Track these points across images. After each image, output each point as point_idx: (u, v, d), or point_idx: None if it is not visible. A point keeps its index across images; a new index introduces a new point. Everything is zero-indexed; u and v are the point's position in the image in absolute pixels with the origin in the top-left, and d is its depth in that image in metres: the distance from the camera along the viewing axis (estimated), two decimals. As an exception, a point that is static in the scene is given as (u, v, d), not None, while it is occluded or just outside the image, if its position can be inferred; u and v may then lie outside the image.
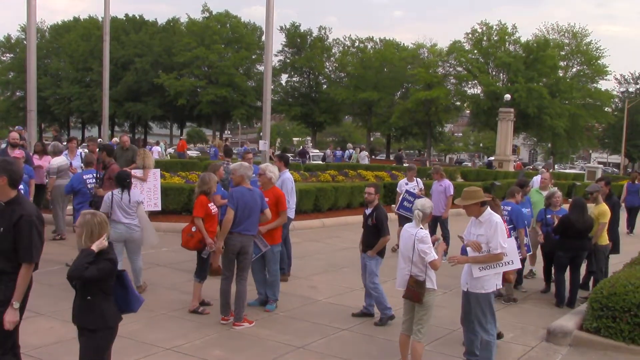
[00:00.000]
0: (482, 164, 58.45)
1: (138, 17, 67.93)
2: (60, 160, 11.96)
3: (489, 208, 6.39)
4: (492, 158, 44.21)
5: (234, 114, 62.24)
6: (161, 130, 78.64)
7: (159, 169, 12.11)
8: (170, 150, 43.10)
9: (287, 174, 10.01)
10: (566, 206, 10.41)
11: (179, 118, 68.56)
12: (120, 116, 65.30)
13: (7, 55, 72.79)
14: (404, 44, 65.26)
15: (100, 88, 22.46)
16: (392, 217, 10.53)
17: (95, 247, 4.23)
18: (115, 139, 20.82)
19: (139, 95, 62.29)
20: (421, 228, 6.11)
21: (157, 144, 39.54)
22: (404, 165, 29.82)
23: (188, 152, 37.38)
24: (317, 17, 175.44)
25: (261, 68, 60.09)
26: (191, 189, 13.14)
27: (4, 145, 13.80)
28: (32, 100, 14.23)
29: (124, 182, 8.47)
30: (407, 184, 13.15)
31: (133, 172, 10.65)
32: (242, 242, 7.52)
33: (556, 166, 64.78)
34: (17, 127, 20.57)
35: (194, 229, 7.86)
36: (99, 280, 4.23)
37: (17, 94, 69.54)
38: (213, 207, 8.10)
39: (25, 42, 43.94)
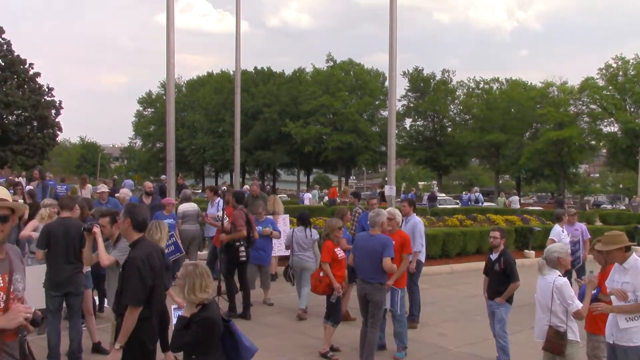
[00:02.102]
0: (624, 207, 54.54)
1: (266, 70, 71.10)
2: (187, 207, 12.51)
3: (634, 254, 5.87)
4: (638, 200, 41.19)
5: (358, 159, 62.78)
6: (289, 177, 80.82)
7: (287, 215, 12.38)
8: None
9: (416, 218, 9.84)
10: None
11: (306, 164, 70.17)
12: (251, 164, 67.87)
13: (149, 110, 78.56)
14: (531, 83, 63.28)
15: (232, 138, 23.50)
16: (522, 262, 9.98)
17: (186, 312, 4.21)
18: (246, 187, 21.60)
19: (267, 144, 64.57)
20: (559, 275, 5.74)
21: (310, 190, 39.29)
22: (559, 209, 28.07)
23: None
24: (440, 60, 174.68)
25: (385, 113, 60.31)
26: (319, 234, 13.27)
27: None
28: (171, 151, 15.02)
29: (305, 221, 10.07)
30: (562, 231, 11.25)
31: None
32: (366, 290, 7.39)
33: None
34: (162, 176, 21.90)
35: (321, 273, 7.90)
36: (197, 344, 4.19)
37: (157, 145, 74.63)
38: (340, 252, 8.10)
39: (164, 97, 47.26)
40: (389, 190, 16.02)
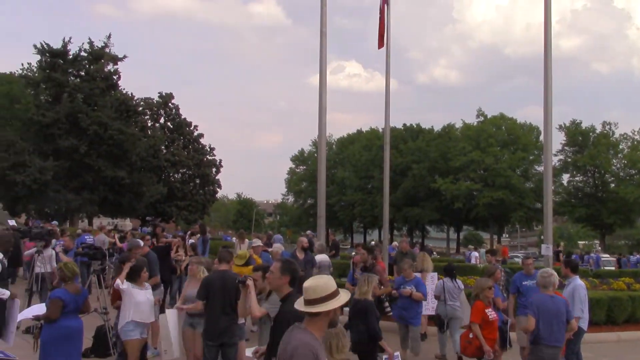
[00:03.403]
0: None
1: (415, 126, 71.40)
2: (320, 258, 12.75)
3: None
4: None
5: (512, 216, 60.55)
6: (438, 234, 79.54)
7: (436, 273, 12.11)
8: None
9: (578, 281, 9.14)
10: None
11: (456, 221, 68.80)
12: (399, 220, 67.69)
13: (301, 167, 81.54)
14: None
15: (381, 194, 23.61)
16: None
17: None
18: (395, 243, 21.50)
19: (416, 200, 64.26)
20: None
21: (476, 249, 38.00)
22: None
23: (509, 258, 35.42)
24: (599, 112, 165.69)
25: (540, 168, 58.22)
26: (468, 294, 12.83)
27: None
28: (322, 207, 15.35)
29: (452, 272, 10.64)
30: None
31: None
32: (550, 355, 7.00)
33: None
34: (308, 231, 22.48)
35: (471, 335, 7.58)
36: None
37: (308, 201, 76.91)
38: (491, 313, 7.74)
39: (316, 154, 48.93)
40: (546, 250, 15.14)
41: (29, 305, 10.80)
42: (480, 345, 7.45)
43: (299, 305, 3.69)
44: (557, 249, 27.12)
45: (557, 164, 59.03)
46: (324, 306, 3.57)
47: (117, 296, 8.12)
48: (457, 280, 10.77)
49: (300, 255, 12.37)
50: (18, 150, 39.83)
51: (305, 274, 11.76)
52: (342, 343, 4.12)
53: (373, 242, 15.09)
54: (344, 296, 3.67)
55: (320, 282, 3.66)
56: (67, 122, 40.85)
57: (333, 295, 3.61)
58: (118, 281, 7.76)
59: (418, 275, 11.42)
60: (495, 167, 58.96)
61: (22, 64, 49.86)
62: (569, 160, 60.92)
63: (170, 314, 8.32)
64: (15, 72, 50.62)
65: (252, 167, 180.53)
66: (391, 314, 10.59)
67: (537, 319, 6.95)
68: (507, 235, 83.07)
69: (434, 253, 38.77)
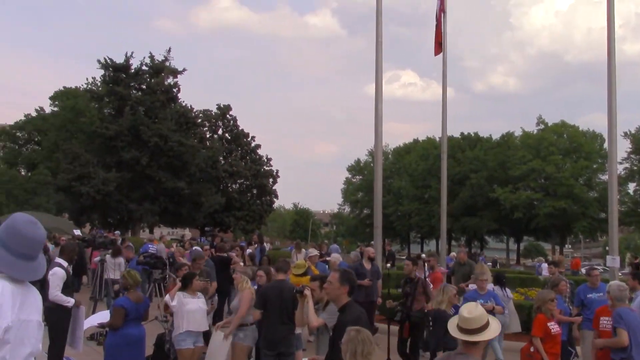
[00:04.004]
0: None
1: (473, 135, 70.40)
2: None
3: None
4: None
5: (574, 226, 58.88)
6: (497, 245, 77.99)
7: (491, 285, 11.82)
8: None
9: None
10: None
11: (515, 232, 67.32)
12: (457, 231, 66.74)
13: (357, 177, 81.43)
14: None
15: (438, 204, 23.38)
16: None
17: None
18: (453, 254, 21.16)
19: (474, 210, 63.27)
20: None
21: (547, 260, 36.18)
22: None
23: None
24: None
25: (604, 177, 56.57)
26: (530, 306, 12.48)
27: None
28: (378, 217, 15.25)
29: (502, 281, 10.78)
30: None
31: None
32: None
33: None
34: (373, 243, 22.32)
35: (532, 349, 7.36)
36: None
37: (365, 211, 76.64)
38: (553, 327, 7.50)
39: (372, 164, 48.78)
40: (612, 262, 14.60)
41: (93, 312, 11.13)
42: (541, 359, 7.23)
43: (456, 332, 4.02)
44: (636, 261, 25.90)
45: (622, 173, 57.14)
46: (481, 336, 3.97)
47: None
48: (506, 289, 10.87)
49: (367, 265, 12.24)
50: (83, 162, 41.19)
51: (372, 285, 11.70)
52: (368, 350, 4.12)
53: (423, 255, 14.59)
54: (495, 326, 4.06)
55: (477, 314, 4.03)
56: (129, 135, 42.03)
57: (487, 325, 4.01)
58: (167, 298, 7.87)
59: (490, 288, 11.07)
60: (556, 176, 57.60)
61: (87, 79, 51.95)
62: (635, 168, 58.86)
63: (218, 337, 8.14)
64: (80, 87, 52.63)
65: (309, 177, 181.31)
66: None
67: (630, 335, 6.63)
68: (569, 246, 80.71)
69: (498, 264, 37.79)
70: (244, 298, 7.84)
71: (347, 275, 5.08)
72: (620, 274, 15.96)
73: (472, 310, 4.06)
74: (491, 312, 9.54)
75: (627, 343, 6.55)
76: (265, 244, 20.84)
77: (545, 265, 27.74)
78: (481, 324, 3.97)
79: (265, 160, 55.47)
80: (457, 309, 8.74)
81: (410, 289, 10.04)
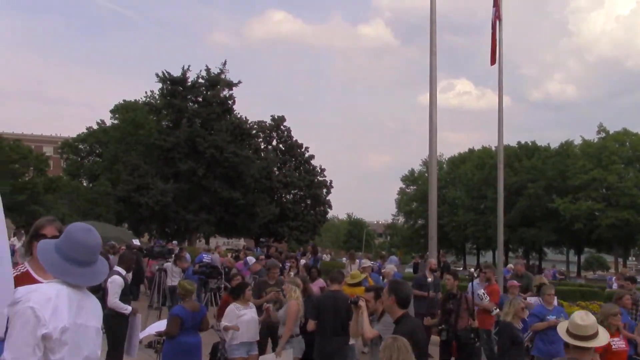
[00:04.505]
0: None
1: (530, 144, 68.85)
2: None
3: None
4: None
5: (638, 238, 56.71)
6: (556, 256, 75.86)
7: (537, 297, 11.50)
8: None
9: None
10: None
11: (575, 243, 65.36)
12: (514, 242, 65.26)
13: (411, 187, 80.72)
14: None
15: (494, 214, 22.94)
16: None
17: None
18: (510, 266, 20.70)
19: (532, 221, 61.78)
20: None
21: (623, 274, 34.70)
22: None
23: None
24: None
25: (670, 187, 54.22)
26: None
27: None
28: (433, 228, 15.06)
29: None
30: None
31: None
32: None
33: None
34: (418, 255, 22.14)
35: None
36: None
37: (419, 222, 75.84)
38: (616, 343, 7.22)
39: (426, 174, 48.32)
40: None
41: (159, 319, 11.31)
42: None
43: (566, 337, 4.32)
44: None
45: (689, 182, 54.97)
46: (594, 342, 4.30)
47: (222, 313, 8.31)
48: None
49: (430, 276, 12.08)
50: (142, 173, 42.28)
51: (435, 296, 11.51)
52: (404, 357, 4.11)
53: (472, 269, 14.23)
54: (604, 335, 4.43)
55: (590, 322, 4.37)
56: (186, 146, 42.92)
57: (597, 332, 4.36)
58: (214, 322, 7.95)
59: (556, 304, 10.71)
60: (619, 185, 55.71)
61: (146, 92, 53.20)
62: None
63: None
64: (139, 100, 54.07)
65: (362, 187, 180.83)
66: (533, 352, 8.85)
67: None
68: (633, 258, 77.86)
69: (558, 276, 36.68)
70: (290, 309, 7.83)
71: (394, 286, 5.05)
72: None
73: (584, 317, 4.41)
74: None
75: None
76: (321, 254, 20.85)
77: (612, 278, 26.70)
78: (594, 331, 4.32)
79: (319, 170, 55.65)
80: (524, 322, 8.46)
81: (454, 305, 9.17)
